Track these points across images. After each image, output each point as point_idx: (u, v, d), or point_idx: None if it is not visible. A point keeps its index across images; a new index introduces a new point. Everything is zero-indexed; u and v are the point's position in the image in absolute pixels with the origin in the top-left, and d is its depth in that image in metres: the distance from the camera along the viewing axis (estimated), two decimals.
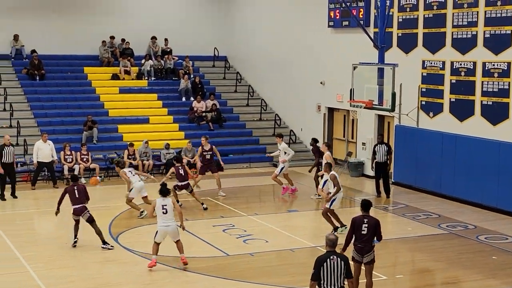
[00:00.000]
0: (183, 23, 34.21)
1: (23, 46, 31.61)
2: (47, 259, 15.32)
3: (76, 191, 16.26)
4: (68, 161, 24.99)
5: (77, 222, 16.36)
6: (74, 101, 29.81)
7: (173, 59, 33.28)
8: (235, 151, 28.79)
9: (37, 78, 30.46)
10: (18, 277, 13.92)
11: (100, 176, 25.36)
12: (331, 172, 17.53)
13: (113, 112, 29.55)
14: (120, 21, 33.19)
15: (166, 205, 14.48)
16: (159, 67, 32.67)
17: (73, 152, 25.22)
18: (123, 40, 33.25)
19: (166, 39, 33.84)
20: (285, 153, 22.53)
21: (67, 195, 16.29)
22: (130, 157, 25.75)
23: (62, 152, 24.94)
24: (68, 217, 18.97)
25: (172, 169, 20.75)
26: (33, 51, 31.17)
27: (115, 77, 31.78)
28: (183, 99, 31.35)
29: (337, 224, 17.50)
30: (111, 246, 16.23)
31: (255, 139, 29.84)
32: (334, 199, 17.34)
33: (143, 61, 32.48)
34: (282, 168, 22.43)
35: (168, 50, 33.72)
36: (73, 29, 32.14)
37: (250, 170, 27.26)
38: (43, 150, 23.80)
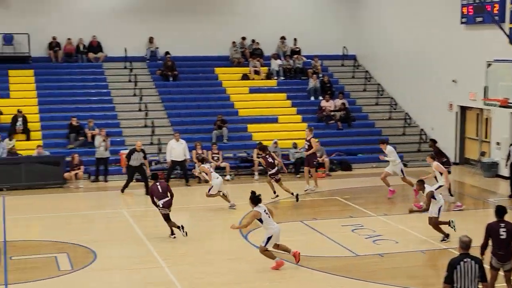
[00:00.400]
0: (312, 22, 34.24)
1: (158, 48, 32.67)
2: (179, 255, 15.73)
3: (159, 187, 17.05)
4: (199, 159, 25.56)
5: (166, 217, 17.02)
6: (205, 101, 30.49)
7: (302, 58, 33.42)
8: (363, 150, 28.53)
9: (171, 79, 31.39)
10: (152, 272, 14.37)
11: (230, 175, 25.80)
12: (427, 190, 16.68)
13: (243, 112, 30.00)
14: (250, 22, 33.65)
15: (266, 210, 14.51)
16: (288, 66, 32.89)
17: (204, 151, 25.81)
18: (253, 40, 33.70)
19: (295, 39, 34.03)
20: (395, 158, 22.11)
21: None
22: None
23: (194, 151, 25.56)
24: (200, 215, 19.50)
25: (262, 160, 21.40)
26: (167, 52, 32.19)
27: (245, 77, 32.24)
28: (312, 98, 31.41)
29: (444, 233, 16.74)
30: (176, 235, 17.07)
31: (385, 138, 29.39)
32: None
33: (271, 61, 32.83)
34: (402, 169, 21.97)
35: (297, 49, 33.88)
36: (204, 31, 32.86)
37: (379, 169, 26.81)
38: (176, 149, 24.50)
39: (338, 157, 27.71)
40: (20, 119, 26.92)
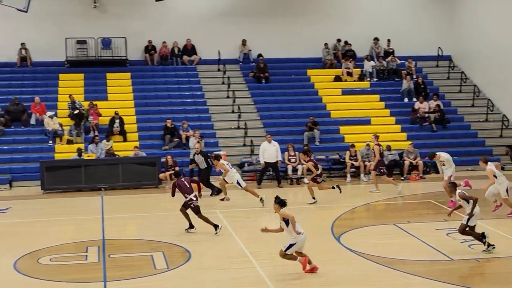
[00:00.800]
0: (406, 23, 33.85)
1: (250, 50, 32.97)
2: (272, 256, 15.79)
3: (185, 182, 17.81)
4: (291, 161, 25.66)
5: (198, 210, 17.70)
6: (297, 103, 30.59)
7: (396, 60, 33.05)
8: (459, 153, 27.87)
9: (263, 81, 31.61)
10: (246, 273, 14.47)
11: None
12: (458, 191, 15.97)
13: (335, 114, 29.93)
14: (343, 23, 33.55)
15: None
16: (382, 68, 32.59)
17: (296, 152, 25.86)
18: (345, 42, 33.56)
19: (388, 40, 33.71)
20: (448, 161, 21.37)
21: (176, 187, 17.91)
22: (351, 158, 25.93)
23: (286, 153, 25.67)
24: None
25: (311, 163, 21.34)
26: (260, 55, 32.46)
27: (337, 78, 32.15)
28: (406, 100, 31.03)
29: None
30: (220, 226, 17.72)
31: (481, 140, 28.77)
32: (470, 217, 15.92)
33: (364, 62, 32.63)
34: (451, 176, 21.20)
35: (391, 50, 33.54)
36: (297, 33, 32.97)
37: (474, 172, 26.26)
38: (268, 151, 24.69)
39: (432, 160, 27.20)
40: (117, 120, 27.69)
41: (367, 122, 29.57)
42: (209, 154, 23.27)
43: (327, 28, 33.36)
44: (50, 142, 27.26)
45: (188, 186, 17.79)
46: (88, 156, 25.42)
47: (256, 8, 32.99)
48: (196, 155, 23.76)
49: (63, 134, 27.54)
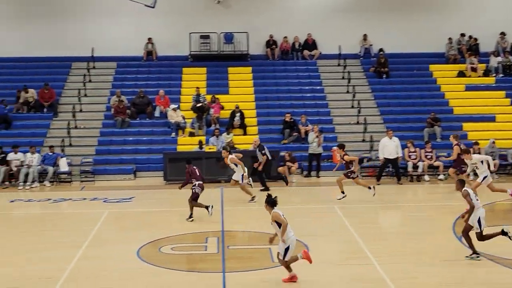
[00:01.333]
0: None
1: (371, 45, 32.66)
2: (390, 253, 15.61)
3: (196, 170, 18.86)
4: (412, 158, 25.26)
5: (196, 197, 18.61)
6: (419, 99, 30.07)
7: None
8: None
9: (384, 76, 31.23)
10: (364, 269, 14.36)
11: (444, 174, 25.21)
12: (464, 189, 14.89)
13: (458, 110, 29.23)
14: (466, 17, 32.78)
15: (283, 215, 13.59)
16: (508, 63, 31.55)
17: (417, 149, 25.42)
18: (470, 36, 32.69)
19: None
20: (482, 162, 19.90)
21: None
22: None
23: (406, 149, 25.29)
24: (412, 214, 19.23)
25: (348, 157, 20.74)
26: (380, 49, 32.09)
27: (461, 74, 31.37)
28: None
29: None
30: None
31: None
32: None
33: (490, 57, 31.68)
34: (485, 177, 19.91)
35: None
36: (419, 27, 32.44)
37: None
38: (388, 147, 24.39)
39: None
40: (237, 114, 28.10)
41: (491, 119, 28.69)
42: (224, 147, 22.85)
43: (451, 23, 32.61)
44: (173, 134, 27.99)
45: (198, 174, 18.75)
46: (209, 148, 25.92)
47: (378, 3, 32.66)
48: (255, 148, 23.82)
49: (186, 126, 28.22)
